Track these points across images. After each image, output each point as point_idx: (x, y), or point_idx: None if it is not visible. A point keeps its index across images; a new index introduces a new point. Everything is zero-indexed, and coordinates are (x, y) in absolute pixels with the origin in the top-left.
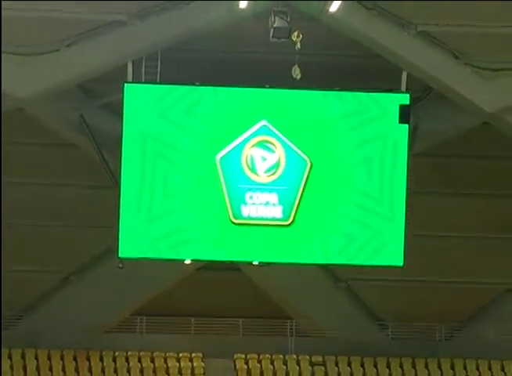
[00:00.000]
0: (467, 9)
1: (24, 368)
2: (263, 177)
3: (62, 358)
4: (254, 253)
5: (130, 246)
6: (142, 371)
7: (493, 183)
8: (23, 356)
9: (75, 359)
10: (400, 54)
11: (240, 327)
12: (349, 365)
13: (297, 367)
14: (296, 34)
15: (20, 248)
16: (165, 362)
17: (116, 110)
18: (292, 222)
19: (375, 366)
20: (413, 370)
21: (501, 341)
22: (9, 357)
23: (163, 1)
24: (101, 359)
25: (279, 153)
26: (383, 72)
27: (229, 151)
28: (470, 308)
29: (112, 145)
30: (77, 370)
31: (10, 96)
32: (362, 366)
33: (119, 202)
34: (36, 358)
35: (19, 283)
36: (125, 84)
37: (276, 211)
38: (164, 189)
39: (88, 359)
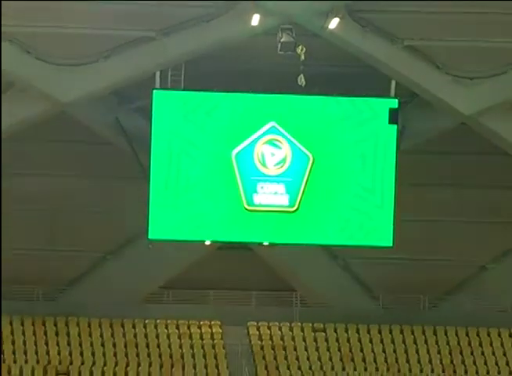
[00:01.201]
0: (447, 26)
1: (68, 334)
2: (272, 170)
3: (100, 326)
4: (264, 235)
5: (158, 229)
6: (168, 337)
7: (469, 176)
8: (66, 324)
9: (111, 326)
10: (389, 65)
11: (253, 298)
12: (346, 331)
13: (301, 333)
14: (300, 47)
15: (66, 231)
16: (188, 328)
17: (146, 113)
18: (297, 208)
19: (368, 332)
20: (401, 336)
21: (476, 311)
22: (55, 324)
23: (186, 19)
24: (133, 327)
25: (285, 150)
26: (374, 80)
27: (243, 148)
28: (450, 282)
29: (143, 142)
30: (112, 336)
31: (57, 101)
32: (357, 332)
33: (149, 191)
34: (78, 325)
35: (64, 260)
36: (154, 91)
37: (283, 200)
38: (187, 180)
39: (123, 327)
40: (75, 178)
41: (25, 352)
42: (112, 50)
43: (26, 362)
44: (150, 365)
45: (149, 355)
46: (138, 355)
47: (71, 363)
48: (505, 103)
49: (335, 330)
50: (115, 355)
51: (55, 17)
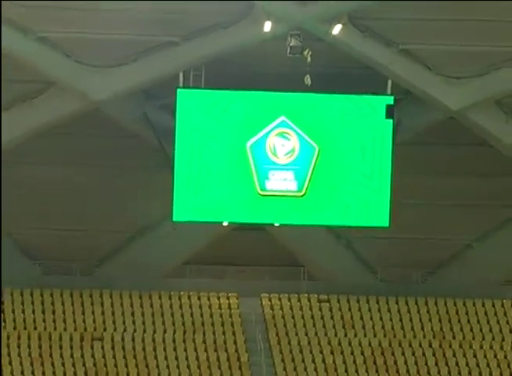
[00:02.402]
0: (438, 32)
1: (102, 305)
2: (282, 159)
3: (130, 297)
4: (275, 217)
5: (181, 212)
6: (190, 307)
7: (457, 164)
8: (100, 296)
9: (140, 298)
10: (386, 66)
11: (265, 273)
12: (348, 302)
13: (308, 304)
14: (307, 51)
15: (100, 214)
16: (208, 300)
17: (170, 109)
18: (304, 193)
19: (367, 302)
20: (396, 306)
21: (462, 284)
22: (90, 296)
23: (206, 26)
24: (159, 298)
25: (294, 141)
26: (373, 80)
27: (257, 140)
28: (440, 258)
29: (168, 135)
30: (141, 306)
31: (91, 99)
32: (358, 302)
33: (173, 179)
34: (110, 297)
35: (98, 240)
36: (178, 89)
37: (292, 185)
38: (207, 168)
39: (150, 298)
40: (107, 167)
41: (64, 321)
42: (140, 54)
43: (65, 329)
44: (174, 332)
45: (173, 323)
46: (163, 323)
47: (105, 330)
48: (488, 100)
49: (338, 301)
50: (143, 323)
51: (91, 25)
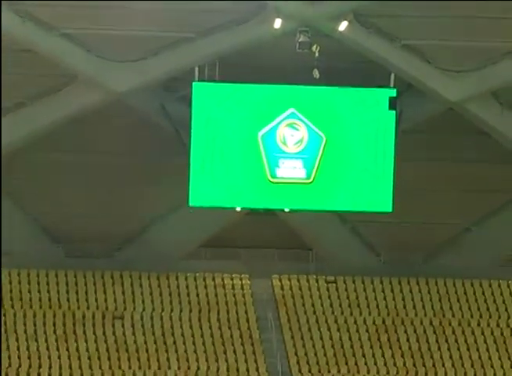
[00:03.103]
0: (437, 28)
1: (122, 285)
2: (292, 148)
3: (148, 278)
4: (285, 203)
5: (197, 197)
6: (205, 287)
7: (456, 151)
8: (121, 277)
9: (158, 279)
10: (389, 60)
11: (276, 255)
12: (353, 282)
13: (316, 284)
14: (315, 46)
15: (120, 198)
16: (222, 281)
17: (186, 101)
18: (312, 180)
19: (372, 283)
20: (399, 286)
21: (461, 266)
22: (111, 277)
23: (220, 23)
24: (176, 279)
25: (303, 132)
26: (377, 73)
27: (268, 130)
28: (440, 241)
29: (184, 125)
30: (159, 286)
31: (113, 90)
32: (363, 283)
33: (189, 166)
34: (130, 278)
35: (119, 224)
36: (193, 83)
37: (301, 173)
38: (221, 156)
39: (167, 279)
40: (128, 155)
41: (87, 300)
42: (158, 49)
43: (88, 308)
44: (190, 311)
45: (189, 302)
46: (180, 302)
47: (125, 309)
48: (485, 92)
49: (344, 282)
50: (161, 302)
51: (112, 22)
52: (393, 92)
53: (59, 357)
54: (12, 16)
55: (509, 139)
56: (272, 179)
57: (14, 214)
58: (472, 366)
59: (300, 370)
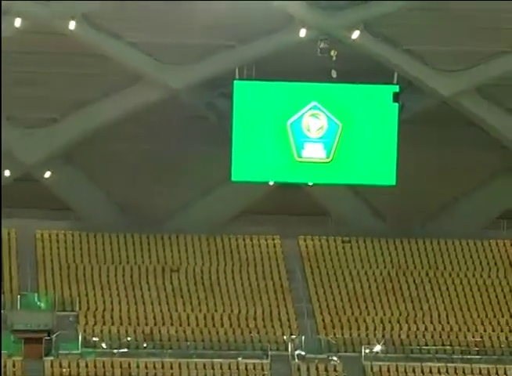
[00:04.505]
0: (433, 35)
1: (178, 244)
2: (314, 134)
3: (199, 239)
4: (309, 178)
5: (238, 174)
6: (244, 246)
7: (448, 137)
8: (177, 237)
9: (207, 239)
10: (392, 62)
11: (301, 220)
12: (364, 242)
13: (334, 243)
14: (333, 51)
15: (173, 177)
16: (258, 241)
17: (228, 96)
18: (331, 160)
19: (379, 242)
20: (401, 245)
21: (454, 228)
22: (169, 238)
23: (255, 32)
24: (221, 240)
25: (323, 120)
26: (383, 72)
27: (295, 119)
28: (436, 207)
29: (226, 116)
30: (208, 246)
31: (170, 87)
32: (372, 242)
33: (231, 149)
34: (184, 239)
35: (177, 194)
36: (234, 81)
37: (322, 154)
38: (256, 141)
39: (214, 240)
40: (177, 141)
41: (149, 257)
42: (206, 53)
43: (150, 263)
44: (233, 265)
45: (232, 258)
46: (224, 259)
47: (180, 264)
48: (473, 88)
49: (357, 242)
50: (209, 258)
51: (168, 32)
52: (396, 88)
53: (127, 303)
54: (88, 27)
55: (492, 127)
56: (298, 159)
57: (93, 191)
58: (460, 309)
59: (321, 313)
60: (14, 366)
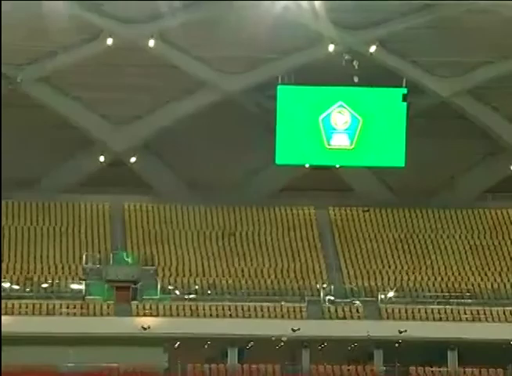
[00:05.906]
0: (433, 49)
1: (234, 212)
2: (340, 127)
3: (246, 209)
4: (336, 161)
5: (280, 158)
6: (286, 215)
7: (446, 129)
8: (233, 208)
9: (257, 210)
10: (402, 70)
11: (330, 195)
12: (380, 212)
13: (356, 213)
14: (355, 61)
15: (232, 157)
16: (296, 211)
17: (273, 97)
18: (354, 147)
19: (391, 211)
20: (409, 213)
21: (451, 201)
22: (227, 208)
23: (293, 46)
24: (268, 210)
25: (347, 116)
26: (394, 78)
27: (325, 115)
28: (436, 183)
29: (271, 113)
30: (258, 215)
31: (227, 91)
32: (386, 211)
33: (275, 139)
34: (239, 208)
35: (235, 172)
36: (278, 86)
37: (347, 142)
38: (295, 132)
39: (263, 211)
40: (234, 133)
41: (212, 223)
42: (255, 64)
43: (213, 228)
44: (277, 229)
45: (276, 224)
46: (271, 225)
47: (236, 228)
48: (466, 90)
49: (374, 211)
50: (259, 225)
51: (220, 48)
52: (404, 91)
53: (195, 259)
54: (162, 44)
55: (480, 121)
56: (327, 146)
57: (168, 172)
58: (456, 263)
59: (346, 267)
60: (108, 307)
